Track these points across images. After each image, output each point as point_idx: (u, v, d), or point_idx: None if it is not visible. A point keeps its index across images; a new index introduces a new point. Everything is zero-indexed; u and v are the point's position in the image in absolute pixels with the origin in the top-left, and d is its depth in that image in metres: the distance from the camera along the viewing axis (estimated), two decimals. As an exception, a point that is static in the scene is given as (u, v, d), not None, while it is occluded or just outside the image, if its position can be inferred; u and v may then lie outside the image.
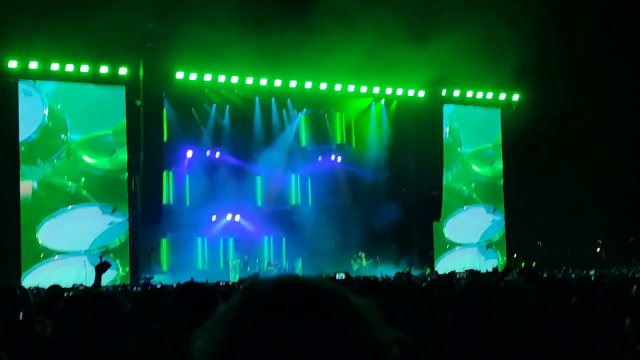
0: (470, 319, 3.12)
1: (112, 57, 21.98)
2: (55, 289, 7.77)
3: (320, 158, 27.31)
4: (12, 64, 21.23)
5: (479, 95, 27.71)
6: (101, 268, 5.94)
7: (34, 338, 3.69)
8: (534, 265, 23.20)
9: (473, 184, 28.41)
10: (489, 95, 27.84)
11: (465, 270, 18.16)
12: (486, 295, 3.13)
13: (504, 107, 28.28)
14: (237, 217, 25.53)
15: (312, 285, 1.03)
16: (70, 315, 2.92)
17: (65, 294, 7.59)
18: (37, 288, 12.96)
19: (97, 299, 3.02)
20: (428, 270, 24.74)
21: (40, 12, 18.99)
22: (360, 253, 25.97)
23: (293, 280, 1.03)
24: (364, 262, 25.75)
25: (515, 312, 4.03)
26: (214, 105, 25.44)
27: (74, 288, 14.54)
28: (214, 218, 25.08)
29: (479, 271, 17.76)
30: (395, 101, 27.34)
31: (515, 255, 27.14)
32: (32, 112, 21.96)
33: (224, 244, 25.64)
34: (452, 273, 8.74)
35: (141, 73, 22.41)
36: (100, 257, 6.19)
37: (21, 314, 5.36)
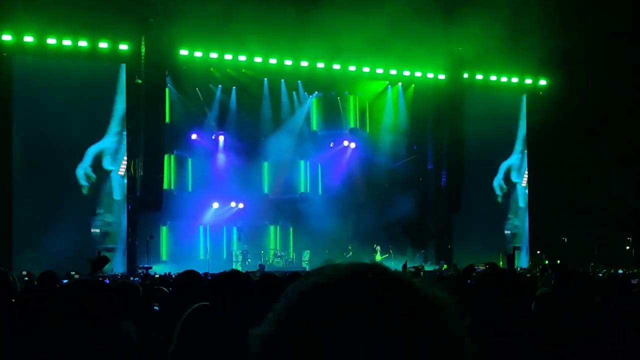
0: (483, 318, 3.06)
1: (113, 32, 21.95)
2: (49, 274, 7.79)
3: (332, 144, 27.27)
4: (6, 37, 21.27)
5: (504, 79, 27.49)
6: (98, 263, 5.83)
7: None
8: (558, 262, 23.14)
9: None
10: (514, 79, 27.62)
11: (485, 264, 18.00)
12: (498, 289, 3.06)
13: (529, 93, 28.07)
14: (241, 205, 25.55)
15: (390, 275, 0.99)
16: (77, 300, 2.95)
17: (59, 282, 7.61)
18: (29, 273, 13.00)
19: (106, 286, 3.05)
20: (445, 266, 24.64)
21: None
22: (375, 246, 25.84)
23: (370, 269, 0.99)
24: (379, 257, 25.64)
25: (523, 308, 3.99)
26: (220, 86, 25.41)
27: (68, 275, 14.60)
28: (215, 205, 25.10)
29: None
30: (413, 84, 27.18)
31: (538, 252, 27.05)
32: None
33: (227, 233, 25.68)
34: (471, 266, 8.59)
35: (143, 49, 22.37)
36: (99, 252, 6.08)
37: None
